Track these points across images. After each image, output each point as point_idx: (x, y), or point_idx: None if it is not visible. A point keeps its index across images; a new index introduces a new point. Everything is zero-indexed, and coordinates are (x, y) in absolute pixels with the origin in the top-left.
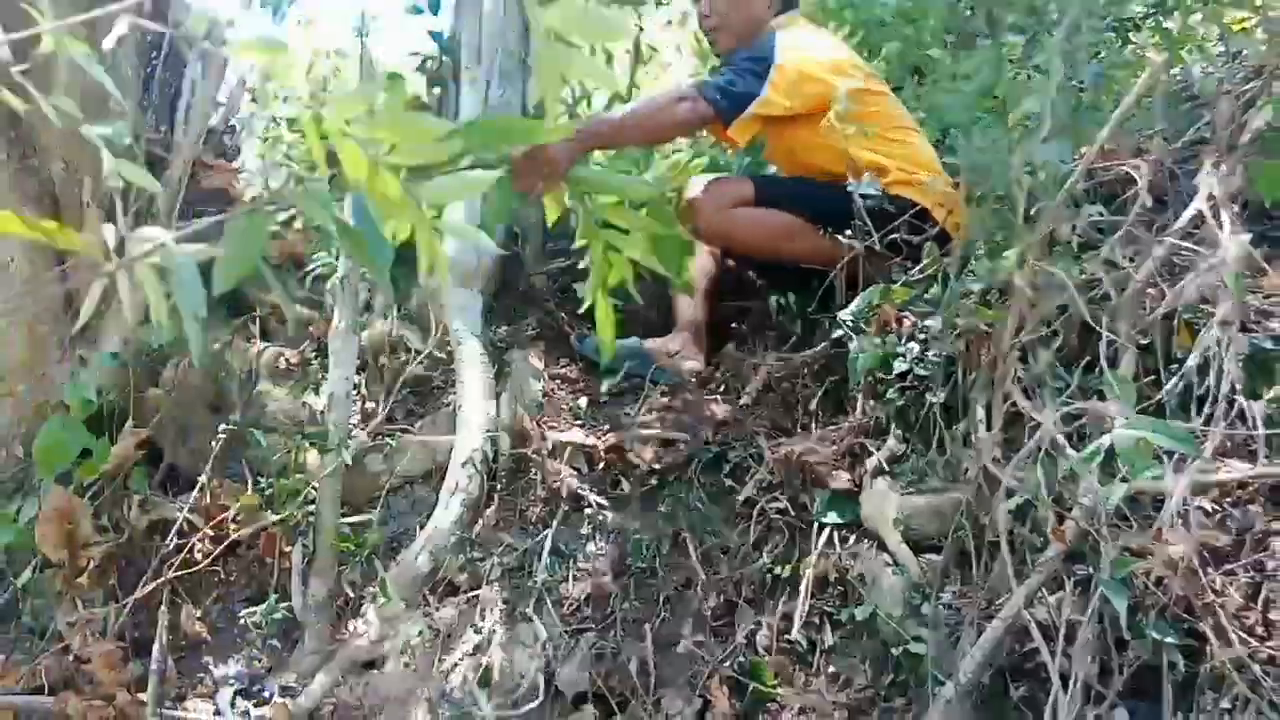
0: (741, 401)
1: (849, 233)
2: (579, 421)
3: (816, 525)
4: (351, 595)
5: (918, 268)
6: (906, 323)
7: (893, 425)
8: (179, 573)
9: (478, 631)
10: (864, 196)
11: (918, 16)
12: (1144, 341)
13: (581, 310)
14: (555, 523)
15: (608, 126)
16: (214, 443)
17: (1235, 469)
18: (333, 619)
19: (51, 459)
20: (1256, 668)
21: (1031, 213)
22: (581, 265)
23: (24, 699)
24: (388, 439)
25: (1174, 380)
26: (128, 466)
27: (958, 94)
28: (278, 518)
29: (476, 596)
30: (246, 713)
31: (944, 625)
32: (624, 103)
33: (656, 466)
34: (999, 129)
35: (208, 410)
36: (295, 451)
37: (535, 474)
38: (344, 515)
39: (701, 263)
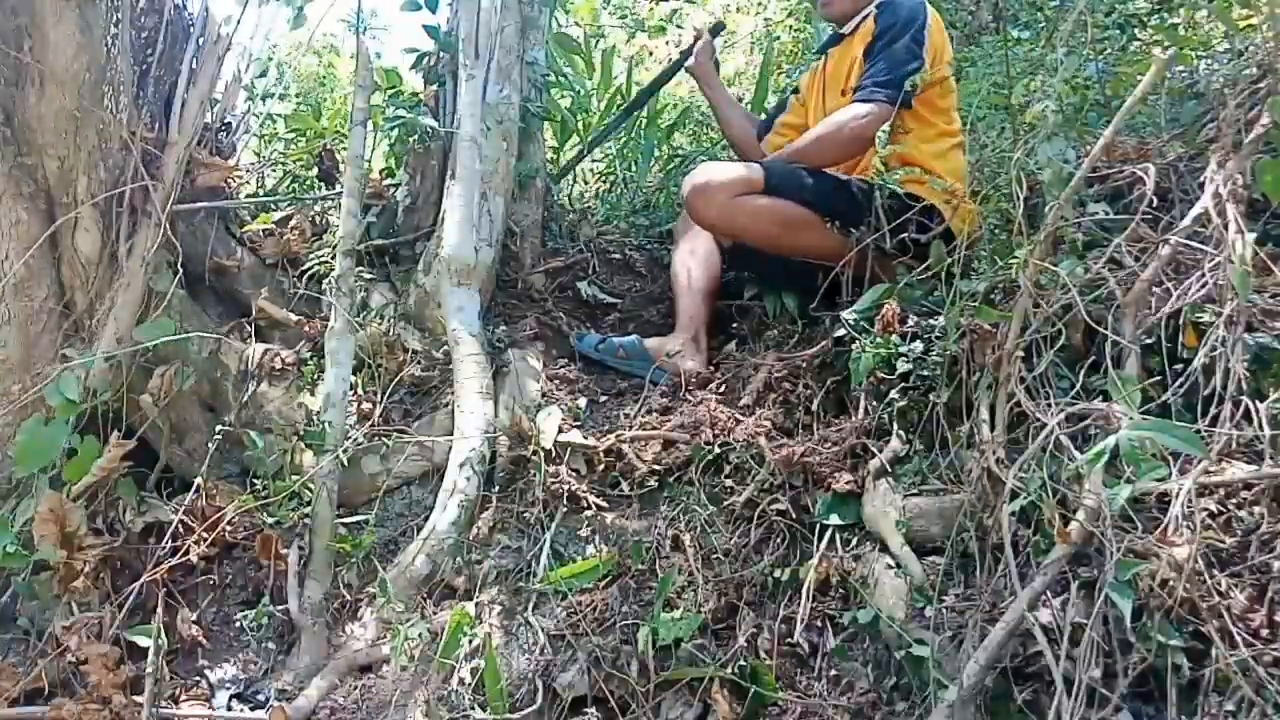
0: (742, 402)
1: (854, 229)
2: (578, 422)
3: (818, 527)
4: (348, 597)
5: (923, 266)
6: (910, 322)
7: (895, 426)
8: (174, 575)
9: (475, 635)
10: (882, 192)
11: None
12: (1149, 341)
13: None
14: (554, 524)
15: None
16: (209, 444)
17: (1241, 470)
18: (329, 621)
19: (29, 459)
20: (1261, 670)
21: (1036, 211)
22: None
23: (18, 711)
24: (384, 440)
25: (1179, 381)
26: (114, 477)
27: (963, 90)
28: (274, 519)
29: (474, 599)
30: (243, 715)
31: (947, 628)
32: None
33: (656, 467)
34: (1006, 125)
35: (203, 411)
36: (291, 452)
37: (534, 475)
38: (340, 517)
39: (703, 261)
